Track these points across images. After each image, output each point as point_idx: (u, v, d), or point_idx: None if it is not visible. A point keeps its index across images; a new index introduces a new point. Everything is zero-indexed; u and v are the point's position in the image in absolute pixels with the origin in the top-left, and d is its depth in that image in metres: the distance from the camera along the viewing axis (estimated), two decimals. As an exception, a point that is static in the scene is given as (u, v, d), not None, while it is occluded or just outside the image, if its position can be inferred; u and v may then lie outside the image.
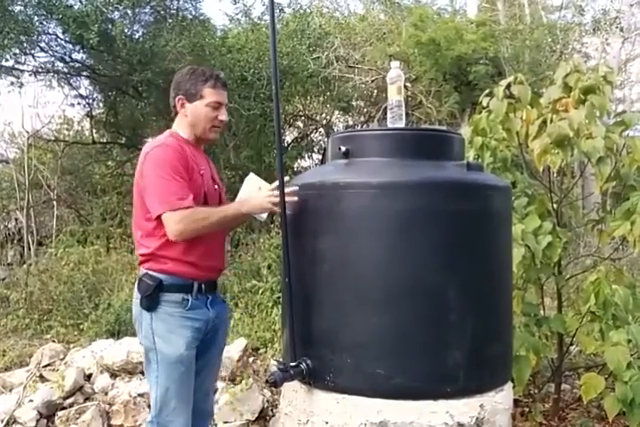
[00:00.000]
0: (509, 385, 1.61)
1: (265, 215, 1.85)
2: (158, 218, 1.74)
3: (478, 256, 1.49)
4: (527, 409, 2.72)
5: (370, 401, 1.42)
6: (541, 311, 2.61)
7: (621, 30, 9.18)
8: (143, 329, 1.83)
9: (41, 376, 3.14)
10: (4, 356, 3.82)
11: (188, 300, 1.81)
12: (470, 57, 6.68)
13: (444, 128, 1.90)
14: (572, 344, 2.78)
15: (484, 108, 2.60)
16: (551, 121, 2.41)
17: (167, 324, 1.80)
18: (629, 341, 2.24)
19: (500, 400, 1.51)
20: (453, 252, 1.46)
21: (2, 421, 2.78)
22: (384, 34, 7.73)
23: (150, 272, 1.81)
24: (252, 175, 1.95)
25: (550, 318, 2.51)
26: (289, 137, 8.06)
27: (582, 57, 8.56)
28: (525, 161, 2.76)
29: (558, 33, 8.16)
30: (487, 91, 2.63)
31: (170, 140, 1.83)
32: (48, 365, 3.24)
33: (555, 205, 2.63)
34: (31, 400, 2.86)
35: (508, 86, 2.52)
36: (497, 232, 1.57)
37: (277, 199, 1.64)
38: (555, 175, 2.83)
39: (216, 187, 1.93)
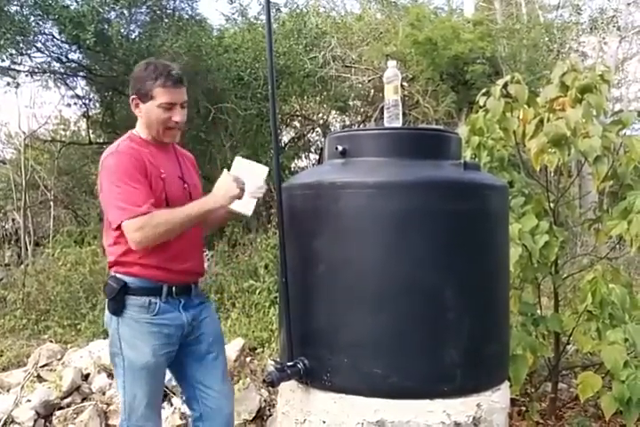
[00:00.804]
0: (506, 384, 1.61)
1: (250, 210, 1.73)
2: (119, 228, 1.67)
3: (475, 256, 1.49)
4: (524, 408, 2.73)
5: (367, 401, 1.43)
6: (538, 311, 2.61)
7: (618, 29, 9.21)
8: (111, 334, 1.79)
9: (38, 376, 3.13)
10: (1, 356, 3.81)
11: (156, 304, 1.74)
12: (467, 56, 6.69)
13: (441, 127, 1.90)
14: (568, 343, 2.78)
15: (480, 107, 2.60)
16: (548, 120, 2.41)
17: (133, 330, 1.74)
18: (626, 340, 2.25)
19: (496, 399, 1.51)
20: (450, 251, 1.46)
21: (0, 420, 2.77)
22: (381, 33, 7.73)
23: (117, 275, 1.76)
24: (238, 159, 1.77)
25: (547, 318, 2.51)
26: (286, 137, 8.06)
27: (579, 56, 8.57)
28: (522, 160, 2.76)
29: (555, 32, 8.18)
30: (484, 90, 2.63)
31: (124, 146, 1.73)
32: (45, 365, 3.24)
33: (552, 205, 2.63)
34: (29, 400, 2.86)
35: (505, 85, 2.52)
36: (494, 232, 1.57)
37: (241, 184, 1.61)
38: (552, 174, 2.83)
39: (185, 186, 1.81)
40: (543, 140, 2.35)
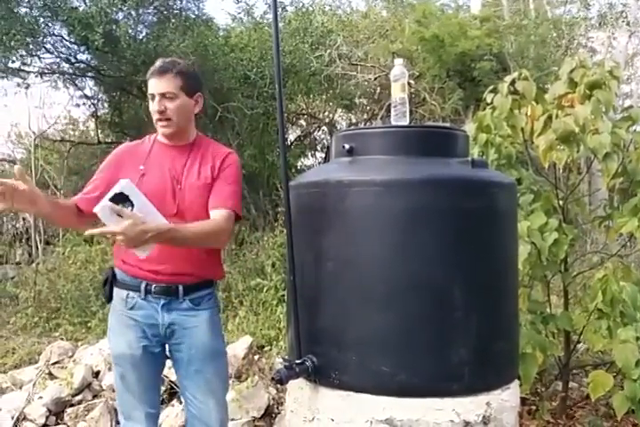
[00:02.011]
0: (516, 383, 1.60)
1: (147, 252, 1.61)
2: None
3: (483, 253, 1.48)
4: (534, 408, 2.71)
5: (375, 399, 1.42)
6: (548, 309, 2.59)
7: (628, 24, 9.11)
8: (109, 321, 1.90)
9: (50, 374, 3.17)
10: (13, 353, 3.85)
11: (133, 298, 1.78)
12: (474, 53, 6.64)
13: (449, 125, 1.89)
14: (579, 342, 2.76)
15: (488, 104, 2.58)
16: (556, 117, 2.39)
17: (114, 319, 1.85)
18: (638, 338, 2.22)
19: (506, 398, 1.50)
20: (458, 249, 1.45)
21: (12, 417, 2.80)
22: (387, 31, 7.70)
23: (114, 266, 1.87)
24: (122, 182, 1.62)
25: (557, 316, 2.50)
26: (292, 135, 8.06)
27: (588, 52, 8.50)
28: (530, 157, 2.74)
29: (563, 28, 8.11)
30: (491, 87, 2.61)
31: (126, 143, 1.94)
32: (57, 362, 3.27)
33: (561, 202, 2.61)
34: (41, 397, 2.89)
35: (513, 82, 2.50)
36: (502, 229, 1.56)
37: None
38: (560, 172, 2.80)
39: (178, 187, 1.76)
40: (552, 136, 2.33)
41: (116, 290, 1.83)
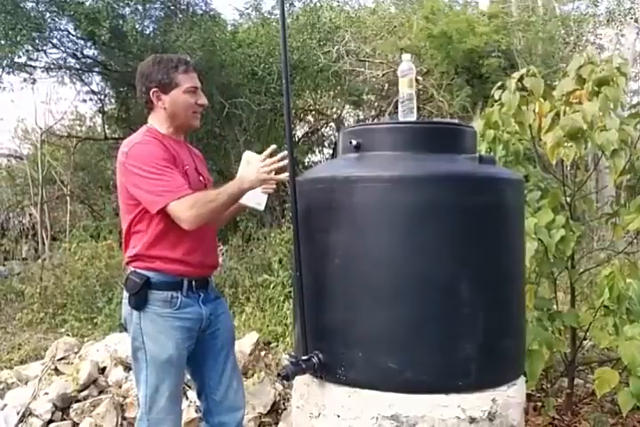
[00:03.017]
0: (522, 379, 1.60)
1: (263, 205, 1.78)
2: (158, 213, 1.68)
3: (491, 250, 1.48)
4: (540, 404, 2.71)
5: (382, 395, 1.43)
6: (554, 306, 2.59)
7: (636, 21, 9.02)
8: (132, 328, 1.80)
9: (56, 369, 3.18)
10: (19, 349, 3.89)
11: (177, 298, 1.76)
12: (482, 50, 6.62)
13: (456, 121, 1.88)
14: (585, 339, 2.76)
15: (495, 101, 2.57)
16: (564, 113, 2.38)
17: (156, 324, 1.76)
18: (644, 335, 2.22)
19: (512, 395, 1.50)
20: (466, 246, 1.45)
21: (18, 413, 2.82)
22: (395, 27, 7.68)
23: (138, 270, 1.77)
24: (248, 153, 1.83)
25: (563, 313, 2.49)
26: (299, 132, 8.06)
27: (596, 48, 8.43)
28: (538, 154, 2.73)
29: (572, 24, 8.05)
30: (499, 84, 2.60)
31: (148, 136, 1.77)
32: (63, 358, 3.28)
33: (568, 199, 2.60)
34: (46, 393, 2.90)
35: (521, 79, 2.49)
36: (510, 226, 1.56)
37: (271, 167, 1.64)
38: (568, 168, 2.79)
39: (201, 179, 1.86)
40: (559, 133, 2.32)
41: (154, 293, 1.75)
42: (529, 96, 2.49)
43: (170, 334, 1.76)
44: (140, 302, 1.76)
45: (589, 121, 2.27)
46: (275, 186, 1.81)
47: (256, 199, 1.78)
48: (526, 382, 1.91)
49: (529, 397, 2.51)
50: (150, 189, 1.67)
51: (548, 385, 2.80)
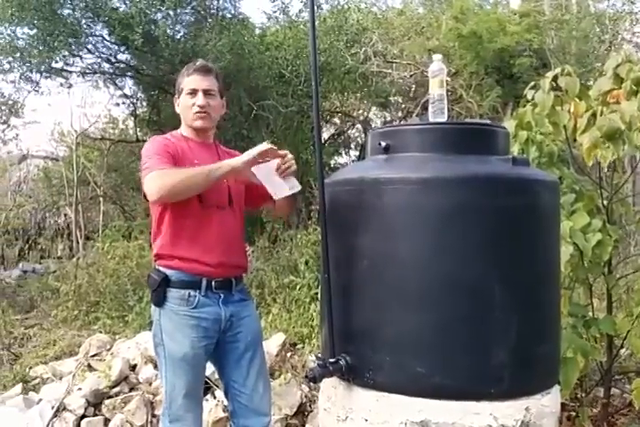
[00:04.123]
0: (557, 388, 1.55)
1: (296, 186, 1.77)
2: (170, 212, 1.77)
3: (525, 253, 1.44)
4: (574, 414, 2.63)
5: (410, 400, 1.40)
6: (590, 312, 2.51)
7: (675, 18, 8.72)
8: (153, 325, 1.84)
9: (89, 366, 3.25)
10: (54, 345, 3.98)
11: (195, 297, 1.77)
12: (513, 49, 6.51)
13: (488, 122, 1.84)
14: (622, 347, 2.66)
15: (528, 101, 2.51)
16: (601, 114, 2.30)
17: (173, 321, 1.79)
18: (685, 344, 2.13)
19: (546, 403, 1.45)
20: (498, 248, 1.41)
21: (52, 407, 2.88)
22: (423, 28, 7.62)
23: (159, 267, 1.81)
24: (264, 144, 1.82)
25: (599, 320, 2.41)
26: (326, 134, 8.05)
27: (633, 47, 8.19)
28: (573, 156, 2.66)
29: (607, 22, 7.84)
30: (532, 83, 2.54)
31: (161, 136, 1.88)
32: (95, 355, 3.36)
33: (605, 202, 2.52)
34: (80, 389, 2.97)
35: (555, 78, 2.42)
36: (544, 229, 1.51)
37: (253, 153, 1.65)
38: (605, 171, 2.71)
39: (225, 181, 1.83)
40: (596, 134, 2.25)
41: (172, 291, 1.78)
42: (564, 96, 2.43)
43: (185, 332, 1.78)
44: (158, 299, 1.79)
45: (628, 121, 2.20)
46: (289, 164, 1.74)
47: (289, 185, 1.77)
48: (560, 390, 1.85)
49: (563, 406, 2.42)
50: (143, 175, 1.72)
51: (583, 394, 2.71)
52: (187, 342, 1.77)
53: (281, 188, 1.76)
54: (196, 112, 1.84)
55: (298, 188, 1.80)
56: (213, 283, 1.80)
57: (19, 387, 3.15)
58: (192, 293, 1.78)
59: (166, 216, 1.80)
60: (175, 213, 1.79)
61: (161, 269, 1.81)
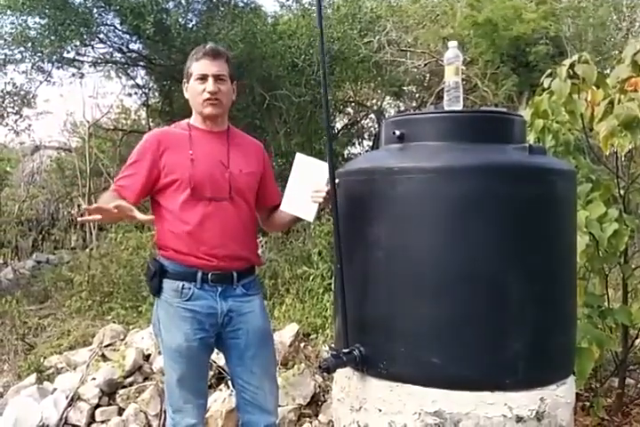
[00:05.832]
0: (572, 379, 1.54)
1: (312, 215, 1.70)
2: (152, 204, 1.85)
3: (541, 243, 1.42)
4: (588, 404, 2.62)
5: (424, 390, 1.40)
6: (605, 303, 2.48)
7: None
8: (153, 314, 1.85)
9: (103, 356, 3.28)
10: (68, 335, 4.03)
11: (189, 289, 1.74)
12: (530, 37, 6.39)
13: (504, 110, 1.81)
14: (637, 337, 2.64)
15: (544, 89, 2.47)
16: (619, 102, 2.26)
17: (167, 313, 1.77)
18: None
19: (561, 394, 1.44)
20: (514, 238, 1.40)
21: (67, 397, 2.92)
22: (437, 16, 7.50)
23: (158, 258, 1.81)
24: (300, 156, 1.77)
25: (615, 310, 2.39)
26: (339, 123, 8.01)
27: (652, 34, 8.01)
28: (589, 145, 2.62)
29: (624, 10, 7.67)
30: (549, 71, 2.49)
31: (157, 129, 1.90)
32: (109, 345, 3.39)
33: (621, 192, 2.48)
34: (94, 378, 2.99)
35: (572, 66, 2.38)
36: (561, 218, 1.49)
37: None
38: (622, 160, 2.66)
39: (227, 172, 1.79)
40: (613, 122, 2.21)
41: (167, 282, 1.76)
42: (581, 84, 2.38)
43: (179, 324, 1.75)
44: (154, 290, 1.79)
45: (647, 109, 2.15)
46: (324, 195, 1.64)
47: (305, 209, 1.72)
48: (575, 380, 1.83)
49: (577, 396, 2.41)
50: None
51: (598, 385, 2.70)
52: (180, 334, 1.74)
53: (297, 203, 1.71)
54: (207, 99, 1.76)
55: (309, 219, 1.74)
56: (210, 275, 1.75)
57: (33, 377, 3.18)
58: (186, 284, 1.74)
59: (159, 209, 1.81)
60: (167, 206, 1.78)
61: (159, 258, 1.80)
